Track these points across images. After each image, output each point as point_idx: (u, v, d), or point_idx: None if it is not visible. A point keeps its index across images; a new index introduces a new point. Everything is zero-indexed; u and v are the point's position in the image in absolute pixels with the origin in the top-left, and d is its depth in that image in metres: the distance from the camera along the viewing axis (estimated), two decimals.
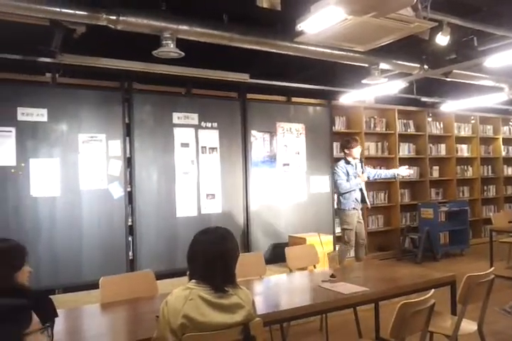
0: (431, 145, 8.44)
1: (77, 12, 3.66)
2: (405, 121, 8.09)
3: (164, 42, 4.07)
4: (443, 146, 8.69)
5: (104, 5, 3.75)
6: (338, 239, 6.63)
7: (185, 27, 4.10)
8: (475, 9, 4.49)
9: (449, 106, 7.64)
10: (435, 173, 8.58)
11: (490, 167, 9.44)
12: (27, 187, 4.67)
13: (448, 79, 5.89)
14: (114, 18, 3.78)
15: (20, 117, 4.68)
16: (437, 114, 8.37)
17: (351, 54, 4.94)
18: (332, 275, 3.11)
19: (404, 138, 8.07)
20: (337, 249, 5.95)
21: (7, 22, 3.70)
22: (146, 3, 3.94)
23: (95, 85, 5.19)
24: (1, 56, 4.44)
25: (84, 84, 5.14)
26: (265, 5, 3.47)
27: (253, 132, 6.06)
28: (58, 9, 3.58)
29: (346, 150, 5.76)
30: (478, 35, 5.02)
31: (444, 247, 7.67)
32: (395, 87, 6.00)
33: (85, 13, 3.68)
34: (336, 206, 6.16)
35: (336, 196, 6.10)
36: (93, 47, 4.67)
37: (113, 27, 3.85)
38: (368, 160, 7.18)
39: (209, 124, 5.72)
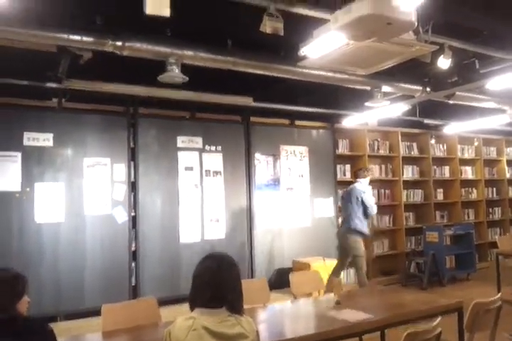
0: (435, 167, 8.43)
1: (83, 38, 3.72)
2: (409, 143, 8.10)
3: (169, 67, 4.11)
4: (447, 168, 8.67)
5: (110, 31, 3.81)
6: None
7: (190, 52, 4.15)
8: (476, 32, 4.54)
9: (452, 128, 7.66)
10: (439, 196, 8.54)
11: (495, 189, 9.39)
12: (31, 213, 4.67)
13: (451, 102, 5.92)
14: (119, 44, 3.83)
15: (26, 142, 4.71)
16: (440, 136, 8.38)
17: (354, 77, 4.98)
18: (337, 302, 3.06)
19: (408, 160, 8.06)
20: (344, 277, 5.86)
21: (15, 48, 3.77)
22: (152, 30, 4.00)
23: (101, 110, 5.24)
24: (8, 82, 4.50)
25: (90, 108, 5.19)
26: (268, 30, 3.51)
27: (257, 155, 6.07)
28: (66, 36, 3.64)
29: (370, 174, 5.87)
30: (480, 57, 5.06)
31: (450, 271, 7.56)
32: (398, 109, 6.02)
33: (92, 39, 3.74)
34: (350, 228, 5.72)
35: (349, 219, 5.81)
36: (99, 72, 4.73)
37: (119, 53, 3.91)
38: (372, 183, 7.17)
39: (213, 148, 5.75)
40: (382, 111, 5.97)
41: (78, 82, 4.72)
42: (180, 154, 5.52)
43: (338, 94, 6.20)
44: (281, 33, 3.59)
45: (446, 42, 4.43)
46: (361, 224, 5.54)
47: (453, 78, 5.50)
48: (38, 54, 3.97)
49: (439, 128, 8.04)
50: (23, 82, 4.57)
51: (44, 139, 4.79)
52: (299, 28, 3.75)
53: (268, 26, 3.49)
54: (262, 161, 6.11)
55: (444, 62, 4.58)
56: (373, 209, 5.64)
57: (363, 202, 5.60)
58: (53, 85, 4.66)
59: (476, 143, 9.09)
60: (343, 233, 5.72)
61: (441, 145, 8.62)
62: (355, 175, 5.97)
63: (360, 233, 5.53)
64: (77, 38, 3.68)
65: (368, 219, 5.67)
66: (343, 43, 3.30)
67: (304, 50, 3.59)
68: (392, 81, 5.37)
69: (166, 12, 3.03)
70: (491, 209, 9.24)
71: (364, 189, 5.69)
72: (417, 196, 8.08)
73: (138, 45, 3.90)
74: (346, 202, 5.78)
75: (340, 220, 6.71)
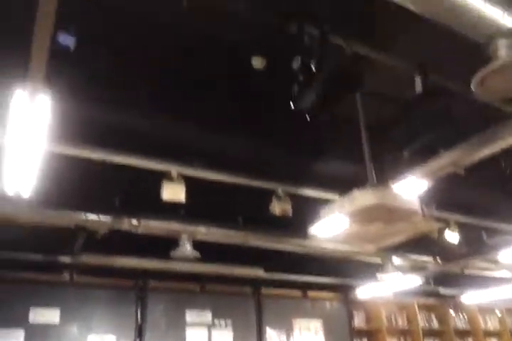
0: (458, 340, 7.86)
1: (101, 218, 3.91)
2: (427, 314, 7.72)
3: (181, 243, 4.22)
4: None
5: (127, 210, 4.03)
6: None
7: (202, 229, 4.30)
8: (478, 206, 4.72)
9: (470, 297, 7.38)
10: None
11: None
12: None
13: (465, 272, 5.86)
14: (135, 223, 4.01)
15: (31, 318, 4.58)
16: (459, 305, 8.02)
17: (363, 251, 5.04)
18: None
19: (429, 333, 7.56)
20: None
21: (33, 226, 3.94)
22: (166, 209, 4.21)
23: (111, 284, 5.20)
24: (22, 256, 4.59)
25: (100, 283, 5.16)
26: (277, 212, 3.70)
27: (268, 330, 5.78)
28: (84, 216, 3.85)
29: None
30: (487, 229, 5.16)
31: None
32: (411, 281, 5.91)
33: (109, 218, 3.93)
34: None
35: None
36: (111, 246, 4.82)
37: (134, 231, 4.06)
38: None
39: (222, 322, 5.51)
40: (396, 283, 5.85)
41: (91, 256, 4.79)
42: (189, 331, 5.28)
43: (350, 264, 6.17)
44: (290, 214, 3.77)
45: (451, 218, 4.59)
46: None
47: (462, 249, 5.53)
48: (54, 229, 4.13)
49: (456, 298, 7.75)
50: (37, 256, 4.66)
51: (50, 315, 4.67)
52: (307, 207, 3.95)
53: (277, 208, 3.69)
54: (274, 337, 5.79)
55: (451, 236, 4.67)
56: None
57: None
58: (66, 260, 4.73)
59: (498, 313, 8.62)
60: None
61: (461, 316, 8.19)
62: None
63: None
64: (94, 217, 3.89)
65: None
66: (349, 224, 3.43)
67: (313, 230, 3.72)
68: (402, 253, 5.41)
69: (182, 198, 3.25)
70: None
71: None
72: None
73: (152, 223, 4.07)
74: None
75: None
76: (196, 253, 4.23)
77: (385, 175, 3.19)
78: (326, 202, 3.57)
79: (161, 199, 3.99)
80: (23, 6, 1.52)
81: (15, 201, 3.20)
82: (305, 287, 6.36)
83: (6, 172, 2.30)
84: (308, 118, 2.09)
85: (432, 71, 2.27)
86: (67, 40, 1.55)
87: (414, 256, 5.51)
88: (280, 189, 3.67)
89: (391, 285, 6.13)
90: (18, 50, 1.59)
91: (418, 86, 2.23)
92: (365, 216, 2.88)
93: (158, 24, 1.99)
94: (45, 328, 4.60)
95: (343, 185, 3.57)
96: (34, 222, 3.74)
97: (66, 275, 4.99)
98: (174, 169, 3.17)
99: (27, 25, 1.41)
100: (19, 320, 4.53)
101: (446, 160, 2.94)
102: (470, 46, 1.87)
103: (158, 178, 3.41)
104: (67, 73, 1.73)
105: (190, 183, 3.39)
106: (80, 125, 2.46)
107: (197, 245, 4.25)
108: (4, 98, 1.82)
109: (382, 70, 2.37)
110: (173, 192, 3.20)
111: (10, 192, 2.59)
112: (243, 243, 4.55)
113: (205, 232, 4.29)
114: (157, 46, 2.20)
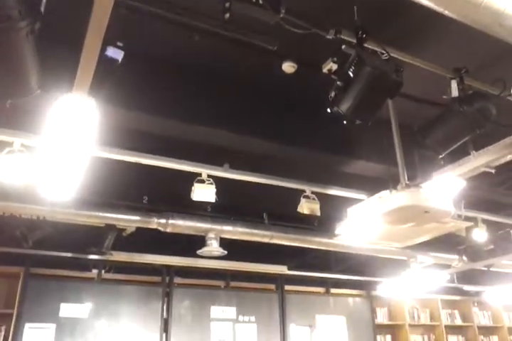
0: (482, 337, 7.81)
1: (131, 217, 3.97)
2: (450, 311, 7.68)
3: (208, 241, 4.25)
4: (495, 338, 8.01)
5: (155, 210, 4.08)
6: None
7: (228, 228, 4.33)
8: (507, 205, 4.69)
9: (494, 294, 7.30)
10: None
11: None
12: None
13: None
14: (163, 221, 4.05)
15: (62, 313, 4.70)
16: (483, 302, 7.95)
17: (389, 248, 5.02)
18: None
19: (452, 329, 7.54)
20: None
21: (65, 225, 4.03)
22: (193, 206, 4.25)
23: (138, 280, 5.29)
24: (53, 254, 4.70)
25: (128, 279, 5.25)
26: (306, 211, 3.70)
27: (292, 326, 5.82)
28: (115, 215, 3.91)
29: None
30: None
31: None
32: (435, 278, 5.88)
33: (138, 218, 3.99)
34: None
35: None
36: (139, 243, 4.91)
37: (162, 230, 4.11)
38: None
39: (246, 318, 5.57)
40: (419, 280, 5.82)
41: (119, 253, 4.87)
42: (213, 325, 5.35)
43: (374, 261, 6.17)
44: (318, 214, 3.78)
45: (478, 217, 4.56)
46: None
47: (489, 246, 5.48)
48: (85, 228, 4.21)
49: (480, 294, 7.69)
50: (67, 254, 4.76)
51: (79, 310, 4.78)
52: (334, 206, 3.95)
53: (305, 208, 3.69)
54: (297, 332, 5.83)
55: (479, 235, 4.64)
56: None
57: None
58: (95, 257, 4.82)
59: None
60: None
61: (485, 313, 8.12)
62: None
63: None
64: (125, 217, 3.95)
65: None
66: (379, 225, 3.42)
67: (339, 229, 3.72)
68: (428, 251, 5.38)
69: (212, 199, 3.28)
70: None
71: None
72: None
73: (180, 222, 4.11)
74: None
75: None
76: (223, 251, 4.27)
77: (415, 176, 3.17)
78: (354, 201, 3.58)
79: (189, 198, 4.04)
80: (75, 18, 1.55)
81: (51, 202, 3.27)
82: (328, 284, 6.38)
83: (48, 175, 2.36)
84: (345, 123, 2.09)
85: (468, 75, 2.26)
86: (116, 53, 1.58)
87: (440, 254, 5.48)
88: (308, 188, 3.68)
89: (415, 282, 6.09)
90: (67, 60, 1.62)
91: (454, 90, 2.22)
92: (396, 217, 2.88)
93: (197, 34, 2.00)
94: (75, 322, 4.72)
95: (372, 186, 3.57)
96: (67, 221, 3.81)
97: (94, 273, 5.09)
98: (205, 171, 3.20)
99: (79, 38, 1.44)
100: (51, 315, 4.65)
101: (479, 162, 2.92)
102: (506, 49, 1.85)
103: (187, 178, 3.44)
104: (109, 83, 1.76)
105: (219, 182, 3.42)
106: (115, 130, 2.50)
107: (223, 243, 4.28)
108: (51, 104, 1.86)
109: (419, 74, 2.36)
110: (204, 194, 3.23)
111: (49, 194, 2.65)
112: (269, 241, 4.57)
113: (231, 230, 4.33)
114: (192, 54, 2.22)
